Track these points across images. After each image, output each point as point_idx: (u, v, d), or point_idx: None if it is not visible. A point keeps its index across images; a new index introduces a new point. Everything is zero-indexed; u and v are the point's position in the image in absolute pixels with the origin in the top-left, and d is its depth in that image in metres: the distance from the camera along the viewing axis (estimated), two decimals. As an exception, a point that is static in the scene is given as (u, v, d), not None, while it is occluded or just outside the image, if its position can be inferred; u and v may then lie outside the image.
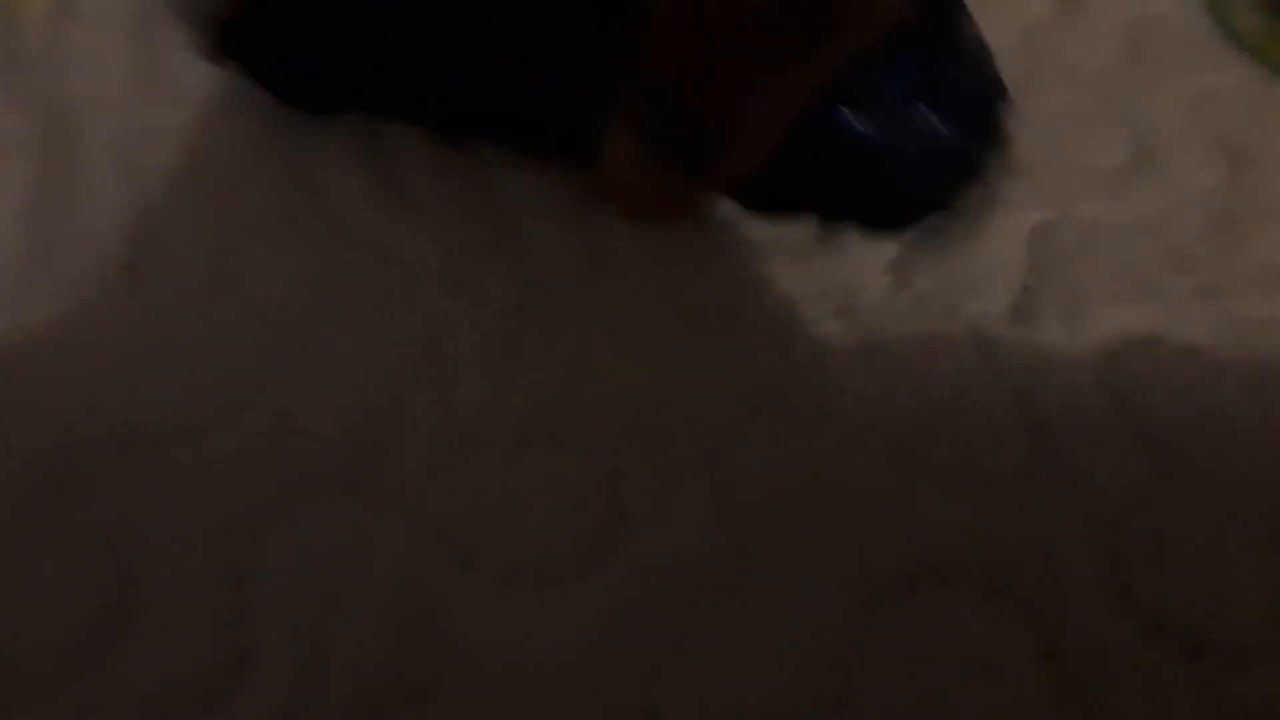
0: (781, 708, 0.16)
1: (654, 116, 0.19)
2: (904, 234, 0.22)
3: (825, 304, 0.21)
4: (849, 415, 0.19)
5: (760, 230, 0.23)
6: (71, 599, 0.17)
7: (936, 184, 0.21)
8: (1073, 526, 0.18)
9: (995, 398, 0.20)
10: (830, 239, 0.22)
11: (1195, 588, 0.18)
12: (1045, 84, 0.26)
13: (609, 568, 0.17)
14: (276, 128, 0.23)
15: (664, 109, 0.19)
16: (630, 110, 0.20)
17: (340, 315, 0.20)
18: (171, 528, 0.18)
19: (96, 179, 0.22)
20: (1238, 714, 0.16)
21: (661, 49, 0.18)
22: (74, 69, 0.24)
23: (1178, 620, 0.17)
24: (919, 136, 0.21)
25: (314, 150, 0.23)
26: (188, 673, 0.16)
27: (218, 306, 0.20)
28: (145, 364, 0.19)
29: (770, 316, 0.21)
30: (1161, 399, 0.20)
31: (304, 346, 0.20)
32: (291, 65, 0.23)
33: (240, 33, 0.23)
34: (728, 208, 0.22)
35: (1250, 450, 0.19)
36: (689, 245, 0.22)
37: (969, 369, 0.20)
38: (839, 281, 0.22)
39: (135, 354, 0.20)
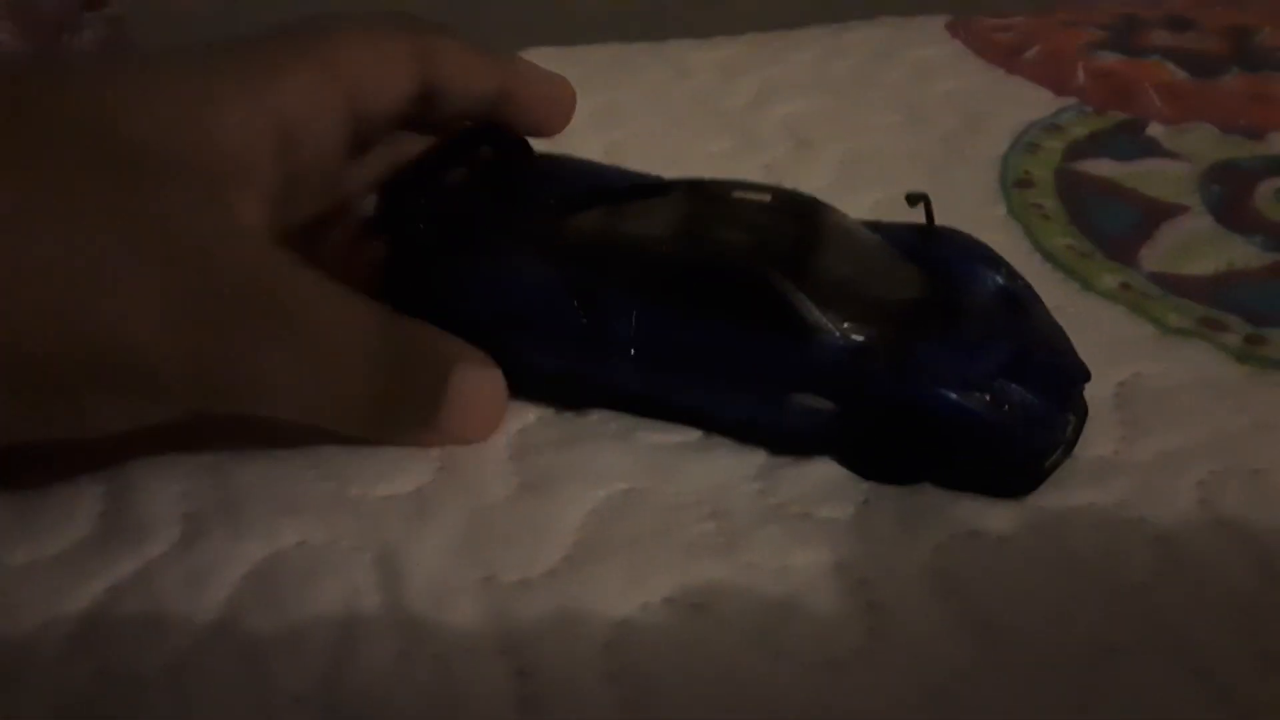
0: None
1: None
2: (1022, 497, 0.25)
3: (702, 508, 0.25)
4: (717, 606, 0.23)
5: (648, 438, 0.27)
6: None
7: (1033, 452, 0.25)
8: (909, 695, 0.21)
9: (839, 584, 0.23)
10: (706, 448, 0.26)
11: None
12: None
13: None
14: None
15: None
16: None
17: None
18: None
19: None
20: None
21: None
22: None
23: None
24: (1015, 409, 0.25)
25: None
26: None
27: None
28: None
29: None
30: (982, 585, 0.23)
31: None
32: None
33: None
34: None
35: (1059, 619, 0.23)
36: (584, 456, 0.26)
37: (820, 561, 0.24)
38: (712, 486, 0.26)
39: None
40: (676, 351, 0.26)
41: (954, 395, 0.24)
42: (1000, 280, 0.28)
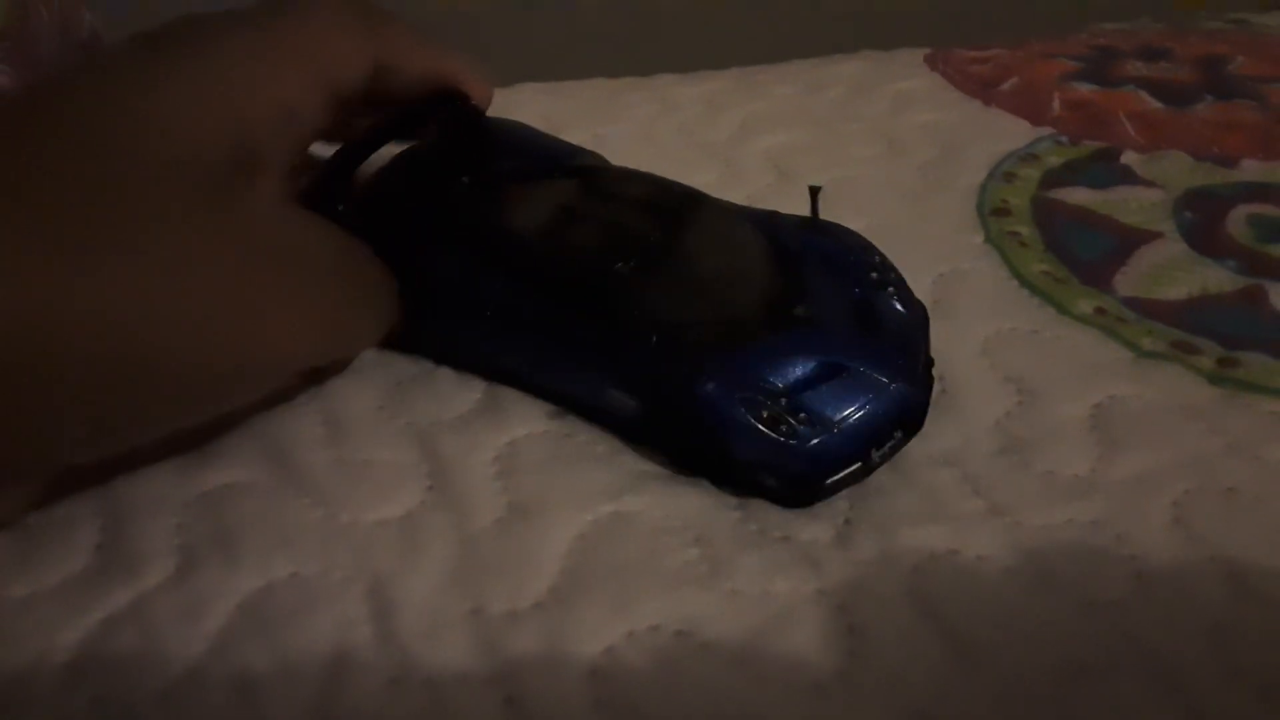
0: None
1: None
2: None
3: (685, 534, 0.26)
4: (700, 633, 0.23)
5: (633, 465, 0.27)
6: None
7: (808, 470, 0.26)
8: (890, 717, 0.22)
9: (820, 609, 0.24)
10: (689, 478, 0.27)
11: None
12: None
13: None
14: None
15: None
16: None
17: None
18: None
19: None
20: None
21: None
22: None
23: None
24: (793, 425, 0.25)
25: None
26: None
27: None
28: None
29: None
30: (960, 603, 0.24)
31: None
32: None
33: None
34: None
35: (1034, 637, 0.23)
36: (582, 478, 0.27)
37: (801, 586, 0.24)
38: (695, 510, 0.26)
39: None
40: (524, 326, 0.28)
41: (723, 402, 0.25)
42: (860, 289, 0.29)
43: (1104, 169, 0.42)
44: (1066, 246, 0.37)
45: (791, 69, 0.51)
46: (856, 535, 0.25)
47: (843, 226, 0.31)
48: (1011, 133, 0.44)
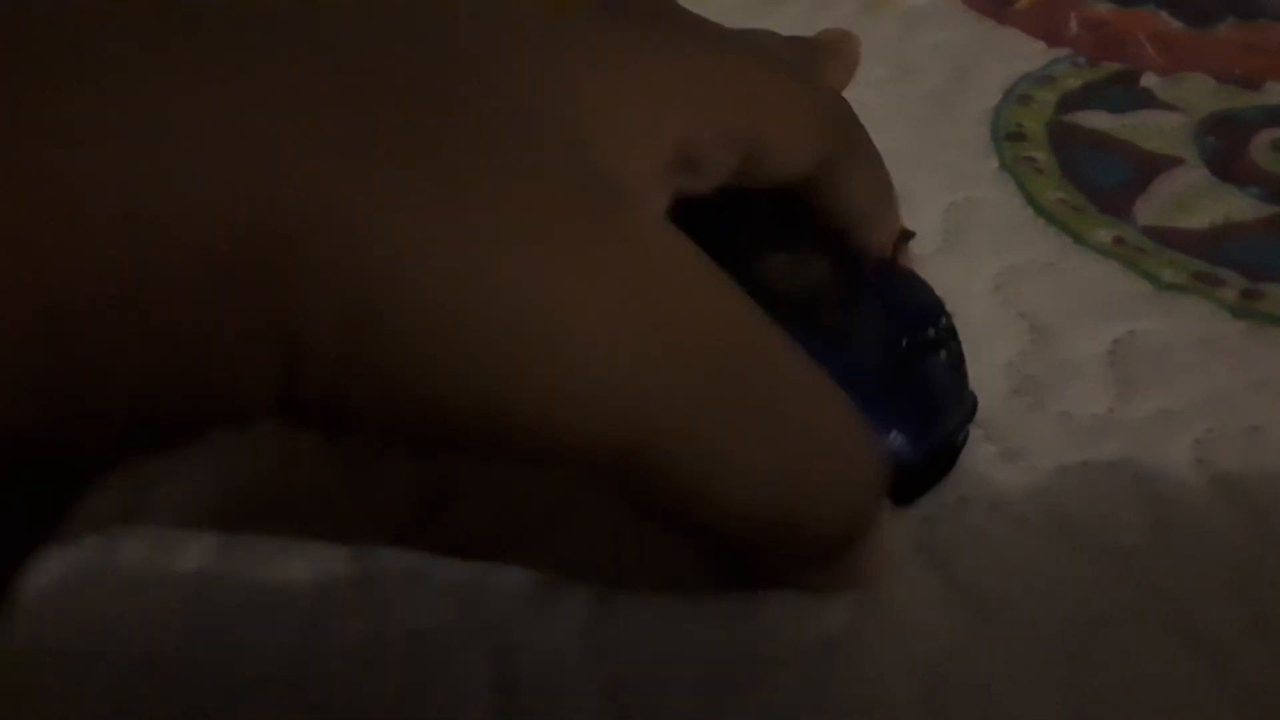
0: None
1: None
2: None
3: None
4: (702, 585, 0.22)
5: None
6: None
7: None
8: (900, 672, 0.21)
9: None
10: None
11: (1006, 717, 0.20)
12: (874, 271, 0.30)
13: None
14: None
15: None
16: None
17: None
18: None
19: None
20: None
21: None
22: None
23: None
24: None
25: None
26: None
27: None
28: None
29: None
30: (972, 554, 0.23)
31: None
32: None
33: None
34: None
35: (1049, 589, 0.22)
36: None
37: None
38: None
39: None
40: None
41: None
42: (909, 340, 0.25)
43: (1123, 92, 0.40)
44: (1084, 173, 0.35)
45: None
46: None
47: (920, 278, 0.27)
48: (1027, 53, 0.42)
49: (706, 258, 0.18)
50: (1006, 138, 0.37)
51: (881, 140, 0.36)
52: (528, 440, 0.16)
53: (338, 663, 0.21)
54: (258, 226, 0.14)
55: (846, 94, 0.37)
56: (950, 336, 0.26)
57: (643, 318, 0.16)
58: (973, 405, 0.26)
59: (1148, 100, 0.40)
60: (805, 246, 0.25)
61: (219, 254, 0.14)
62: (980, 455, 0.25)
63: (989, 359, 0.28)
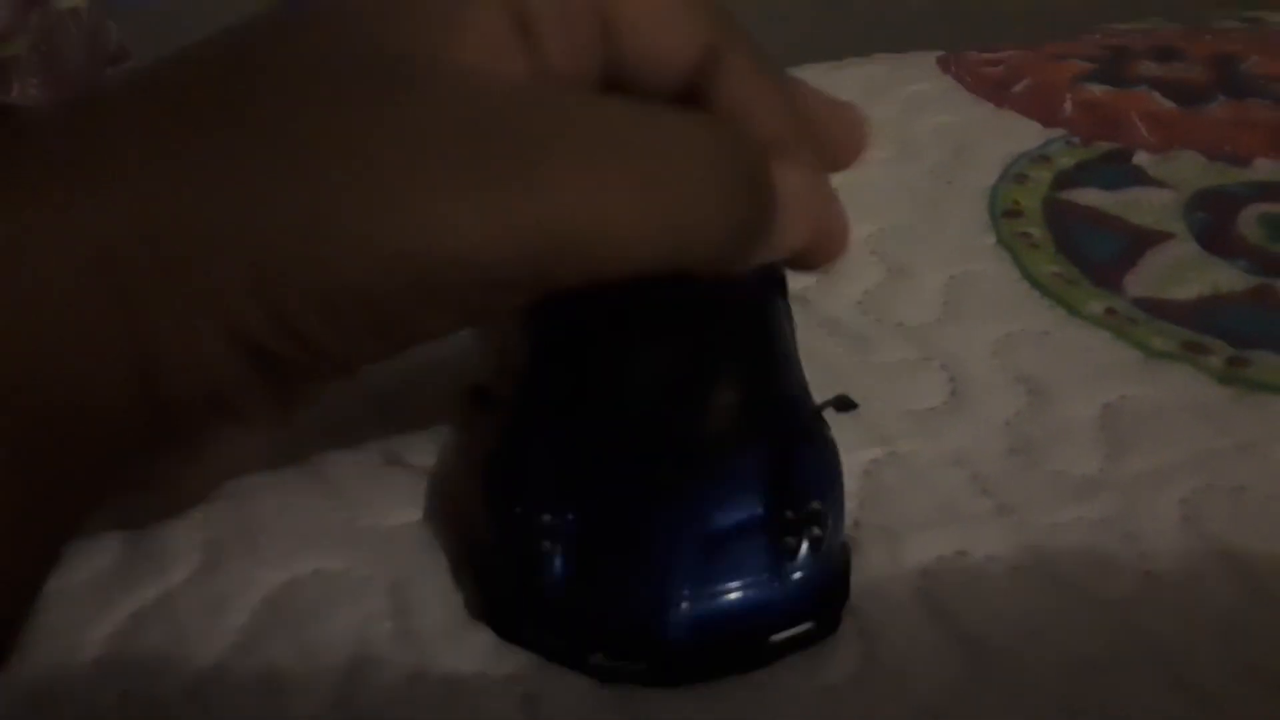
0: None
1: None
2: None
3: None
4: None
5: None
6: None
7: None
8: (901, 718, 0.22)
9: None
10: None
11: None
12: (879, 340, 0.32)
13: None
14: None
15: None
16: None
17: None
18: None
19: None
20: None
21: None
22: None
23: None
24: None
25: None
26: None
27: None
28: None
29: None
30: (969, 604, 0.24)
31: None
32: None
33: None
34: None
35: (1043, 635, 0.24)
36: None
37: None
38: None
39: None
40: None
41: None
42: (767, 511, 0.23)
43: (1116, 170, 0.42)
44: (1078, 248, 0.37)
45: (806, 73, 0.51)
46: (865, 538, 0.26)
47: (832, 443, 0.25)
48: (1023, 134, 0.45)
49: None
50: (1004, 214, 0.39)
51: (885, 217, 0.38)
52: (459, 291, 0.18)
53: (381, 703, 0.22)
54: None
55: (851, 174, 0.39)
56: (824, 516, 0.23)
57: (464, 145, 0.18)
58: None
59: (1139, 177, 0.42)
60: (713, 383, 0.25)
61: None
62: (978, 509, 0.27)
63: (988, 419, 0.29)
